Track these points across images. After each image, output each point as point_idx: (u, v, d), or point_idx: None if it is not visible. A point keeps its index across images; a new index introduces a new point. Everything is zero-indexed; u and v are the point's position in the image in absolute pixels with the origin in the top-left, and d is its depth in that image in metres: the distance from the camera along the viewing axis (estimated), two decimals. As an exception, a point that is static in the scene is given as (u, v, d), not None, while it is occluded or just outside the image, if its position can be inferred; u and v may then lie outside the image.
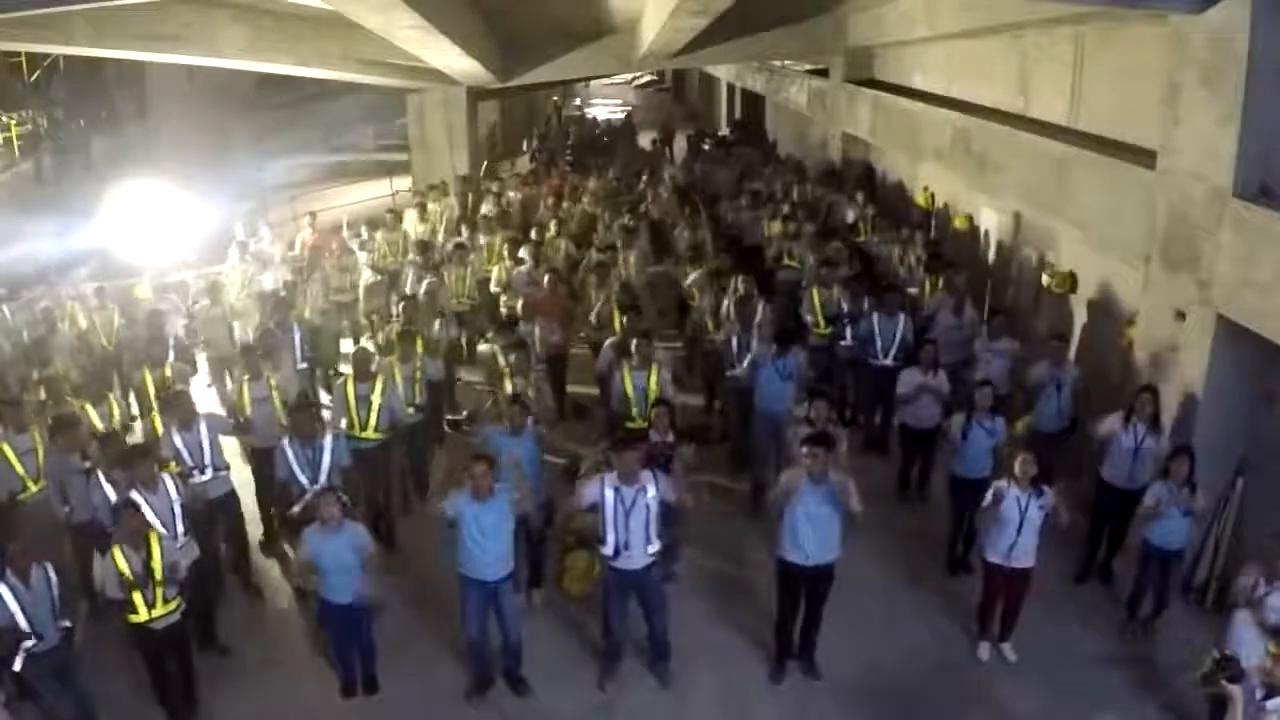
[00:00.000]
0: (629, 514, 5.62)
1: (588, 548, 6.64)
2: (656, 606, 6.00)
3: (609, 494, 5.64)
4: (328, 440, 6.61)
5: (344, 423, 7.30)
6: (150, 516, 5.73)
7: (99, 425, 7.16)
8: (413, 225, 13.09)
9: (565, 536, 6.91)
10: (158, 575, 5.41)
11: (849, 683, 6.13)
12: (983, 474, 6.79)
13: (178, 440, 6.61)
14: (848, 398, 9.39)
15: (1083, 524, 6.98)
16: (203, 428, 6.70)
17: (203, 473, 6.62)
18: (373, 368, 7.50)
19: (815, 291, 9.34)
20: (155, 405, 7.57)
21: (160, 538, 5.56)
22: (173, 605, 5.54)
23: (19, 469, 6.57)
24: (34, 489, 6.62)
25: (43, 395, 7.65)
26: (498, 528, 5.66)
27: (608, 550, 5.73)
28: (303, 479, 6.47)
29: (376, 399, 7.26)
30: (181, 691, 5.89)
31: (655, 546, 5.76)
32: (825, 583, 5.95)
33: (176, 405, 6.80)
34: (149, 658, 5.72)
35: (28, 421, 6.79)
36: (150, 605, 5.44)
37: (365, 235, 12.46)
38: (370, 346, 8.63)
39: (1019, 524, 5.92)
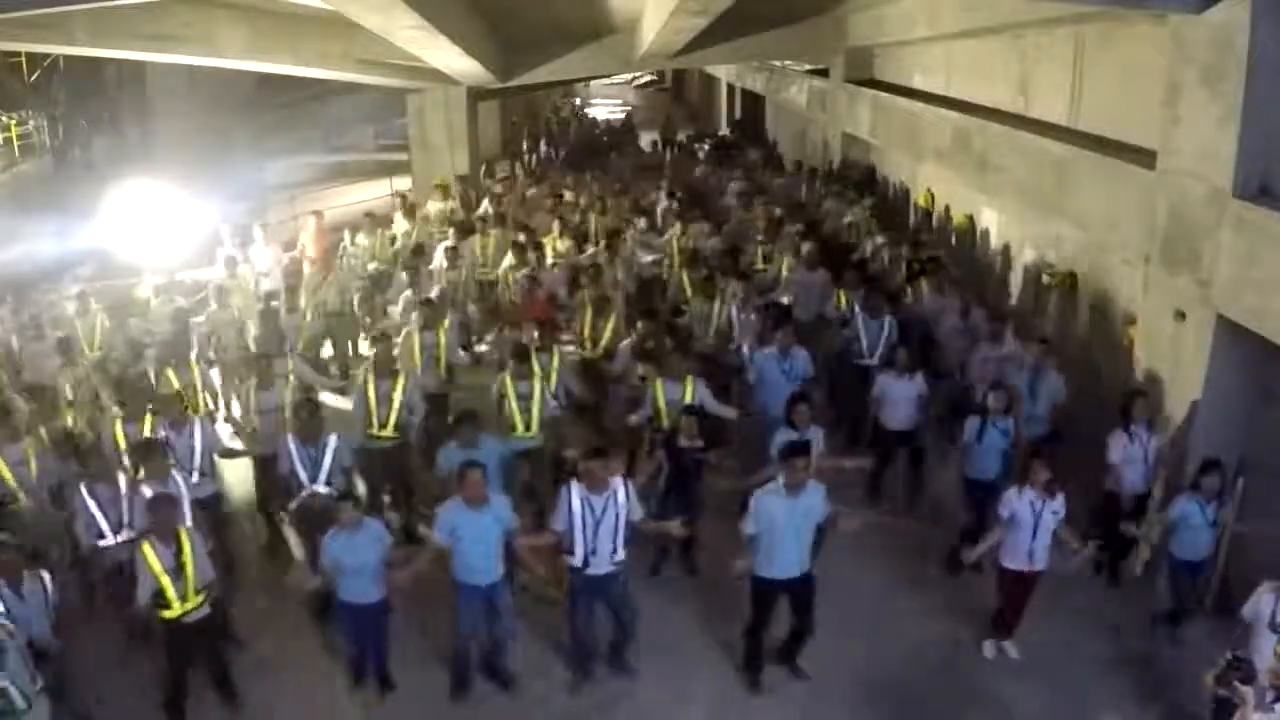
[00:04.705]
0: (599, 523, 5.65)
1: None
2: (625, 613, 5.99)
3: (577, 505, 5.65)
4: (330, 440, 6.64)
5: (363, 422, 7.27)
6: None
7: (84, 434, 7.04)
8: (400, 228, 13.01)
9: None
10: (189, 570, 5.41)
11: (848, 685, 6.11)
12: (995, 476, 6.80)
13: (163, 436, 6.59)
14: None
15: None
16: (197, 433, 6.69)
17: (190, 475, 6.57)
18: (395, 366, 7.52)
19: (842, 294, 9.36)
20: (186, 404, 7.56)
21: (190, 532, 5.58)
22: (202, 598, 5.54)
23: (10, 480, 6.46)
24: (26, 501, 6.51)
25: (22, 405, 7.57)
26: (490, 533, 5.67)
27: (575, 561, 5.73)
28: (303, 476, 6.51)
29: (398, 397, 7.26)
30: (219, 685, 5.90)
31: (621, 555, 5.77)
32: (807, 592, 5.92)
33: (166, 407, 6.82)
34: (177, 656, 5.69)
35: (20, 431, 6.71)
36: (182, 599, 5.44)
37: (347, 240, 12.20)
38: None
39: (1034, 529, 5.91)
